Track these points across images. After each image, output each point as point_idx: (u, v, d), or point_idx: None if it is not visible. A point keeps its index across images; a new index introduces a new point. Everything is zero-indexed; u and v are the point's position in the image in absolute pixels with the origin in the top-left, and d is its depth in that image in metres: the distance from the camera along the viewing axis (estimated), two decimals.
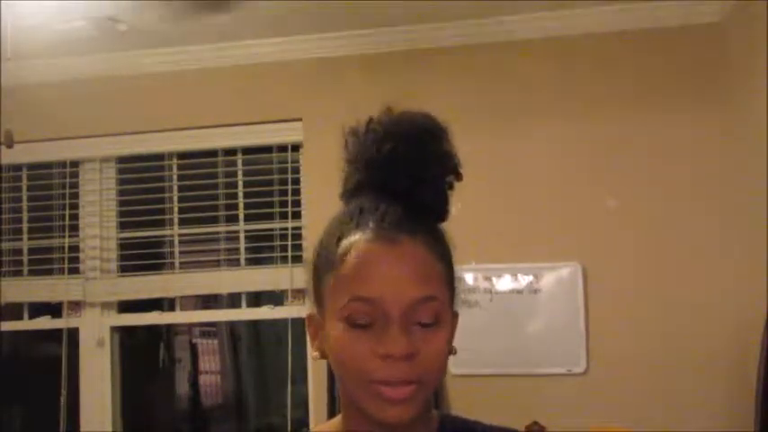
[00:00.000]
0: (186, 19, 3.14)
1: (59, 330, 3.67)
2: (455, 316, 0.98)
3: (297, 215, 3.52)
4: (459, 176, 0.98)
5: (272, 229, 3.54)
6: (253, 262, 3.71)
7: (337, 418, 1.01)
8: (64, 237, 3.68)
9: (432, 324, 0.91)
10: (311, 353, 0.99)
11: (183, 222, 3.67)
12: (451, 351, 0.96)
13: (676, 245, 3.19)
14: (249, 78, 3.52)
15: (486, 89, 3.35)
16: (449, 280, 0.96)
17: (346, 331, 0.91)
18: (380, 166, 0.95)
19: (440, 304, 0.92)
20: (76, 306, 3.69)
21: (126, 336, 3.86)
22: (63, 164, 3.72)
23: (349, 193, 0.99)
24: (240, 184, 3.63)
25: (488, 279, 3.21)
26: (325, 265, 0.95)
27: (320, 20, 3.31)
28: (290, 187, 3.52)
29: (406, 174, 0.94)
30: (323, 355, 0.96)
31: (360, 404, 0.93)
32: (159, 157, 3.67)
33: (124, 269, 3.71)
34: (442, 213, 0.99)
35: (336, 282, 0.92)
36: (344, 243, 0.93)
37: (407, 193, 0.94)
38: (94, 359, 3.67)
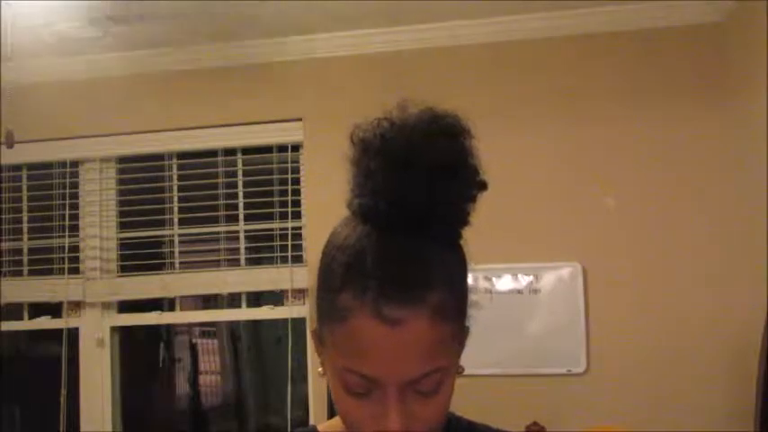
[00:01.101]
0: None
1: (59, 330, 3.67)
2: (466, 333, 0.94)
3: (297, 215, 3.52)
4: (483, 187, 0.90)
5: (272, 229, 3.54)
6: (253, 262, 3.71)
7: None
8: (64, 237, 3.68)
9: (432, 392, 0.86)
10: (317, 368, 0.97)
11: (182, 222, 3.67)
12: (459, 372, 0.92)
13: (676, 245, 3.19)
14: (249, 78, 3.52)
15: (486, 89, 3.35)
16: (458, 331, 0.90)
17: (343, 395, 0.87)
18: (396, 195, 0.83)
19: (443, 373, 0.86)
20: (76, 306, 3.69)
21: (126, 336, 3.86)
22: (63, 164, 3.72)
23: (357, 215, 0.88)
24: (240, 184, 3.63)
25: (488, 279, 3.22)
26: (325, 304, 0.88)
27: (320, 20, 3.31)
28: (289, 187, 3.52)
29: (422, 211, 0.84)
30: (326, 374, 0.93)
31: None
32: (159, 157, 3.67)
33: (124, 269, 3.71)
34: (462, 228, 0.92)
35: (334, 339, 0.87)
36: (343, 301, 0.84)
37: (424, 222, 0.85)
38: (94, 359, 3.67)
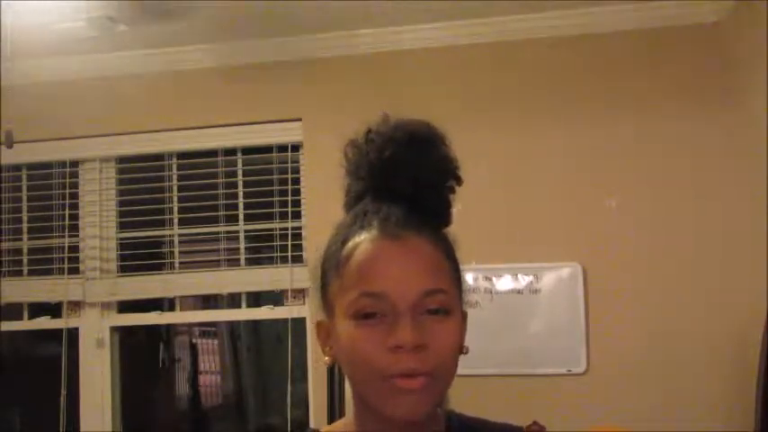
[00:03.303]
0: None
1: (59, 330, 3.67)
2: (465, 316, 0.98)
3: (297, 215, 3.52)
4: (459, 181, 0.99)
5: (272, 229, 3.54)
6: (253, 262, 3.71)
7: (346, 419, 1.01)
8: (64, 237, 3.68)
9: (440, 311, 0.91)
10: (323, 359, 0.99)
11: (182, 222, 3.66)
12: (463, 350, 0.95)
13: (676, 245, 3.19)
14: (249, 78, 3.52)
15: (487, 89, 3.35)
16: (456, 277, 0.96)
17: (356, 327, 0.91)
18: (382, 171, 0.96)
19: (448, 297, 0.92)
20: (76, 306, 3.69)
21: (126, 336, 3.86)
22: (63, 164, 3.72)
23: (351, 203, 1.00)
24: (240, 184, 3.62)
25: (488, 279, 3.21)
26: (331, 269, 0.96)
27: (320, 20, 3.31)
28: (289, 187, 3.52)
29: (407, 178, 0.95)
30: (334, 361, 0.96)
31: (372, 402, 0.92)
32: (159, 157, 3.67)
33: (124, 269, 3.71)
34: (445, 218, 1.00)
35: (343, 282, 0.93)
36: (350, 244, 0.94)
37: (409, 197, 0.96)
38: (94, 359, 3.66)
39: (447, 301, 0.92)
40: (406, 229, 0.92)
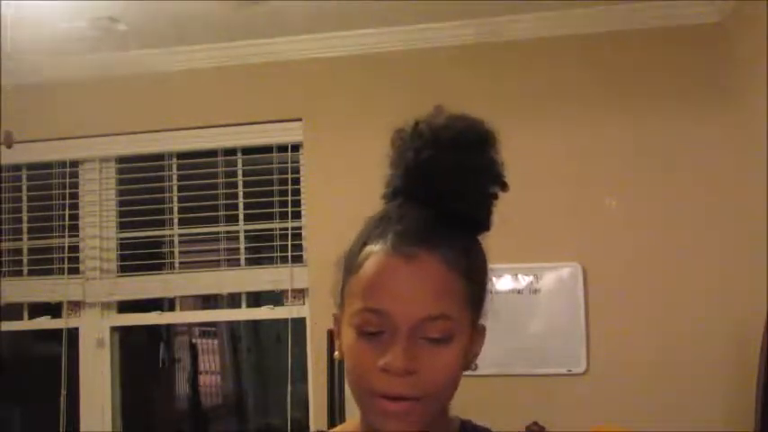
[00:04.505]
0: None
1: (59, 330, 3.67)
2: (481, 330, 0.97)
3: (297, 215, 3.51)
4: (504, 187, 0.99)
5: (272, 229, 3.54)
6: (253, 262, 3.70)
7: (353, 421, 1.01)
8: (64, 237, 3.68)
9: (441, 340, 0.90)
10: (335, 353, 1.00)
11: (182, 222, 3.66)
12: (471, 366, 0.96)
13: (676, 245, 3.18)
14: (249, 78, 3.52)
15: (486, 90, 3.35)
16: (471, 296, 0.93)
17: (356, 340, 0.91)
18: (417, 174, 0.94)
19: (452, 323, 0.90)
20: (76, 306, 3.69)
21: (126, 336, 3.86)
22: (63, 164, 3.72)
23: (387, 197, 0.99)
24: (240, 184, 3.62)
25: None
26: (347, 271, 0.96)
27: (320, 20, 3.31)
28: (289, 187, 3.52)
29: (441, 184, 0.93)
30: (343, 357, 0.96)
31: (363, 412, 0.94)
32: (159, 157, 3.67)
33: (124, 269, 3.71)
34: (481, 225, 0.98)
35: (352, 288, 0.93)
36: (366, 250, 0.93)
37: (441, 203, 0.93)
38: (94, 359, 3.66)
39: (450, 328, 0.90)
40: (420, 246, 0.90)
